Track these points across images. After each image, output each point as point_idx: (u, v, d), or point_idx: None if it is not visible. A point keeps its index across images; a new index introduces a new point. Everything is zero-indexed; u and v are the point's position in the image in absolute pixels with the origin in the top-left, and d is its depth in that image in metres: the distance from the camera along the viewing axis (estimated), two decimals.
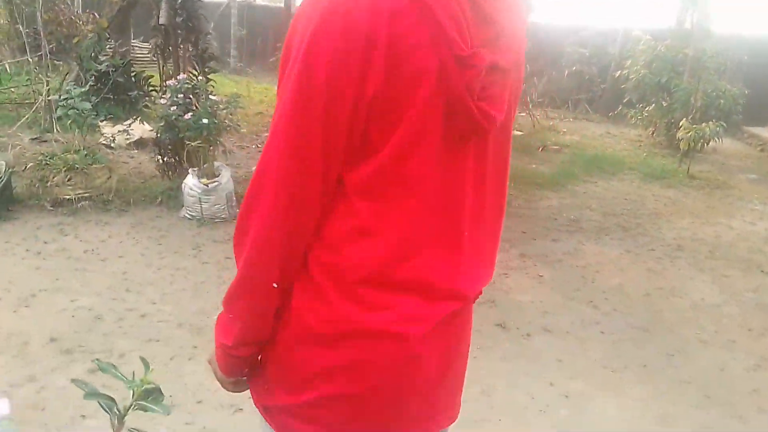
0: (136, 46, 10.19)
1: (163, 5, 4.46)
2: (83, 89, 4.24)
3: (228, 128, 4.40)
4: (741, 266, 4.52)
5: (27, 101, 7.08)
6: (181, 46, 4.62)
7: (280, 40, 11.79)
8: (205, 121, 4.18)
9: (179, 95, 4.22)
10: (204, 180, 4.49)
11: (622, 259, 4.53)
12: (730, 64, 8.67)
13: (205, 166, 4.58)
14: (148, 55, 11.65)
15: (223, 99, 4.50)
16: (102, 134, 5.76)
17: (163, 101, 4.33)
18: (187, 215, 4.57)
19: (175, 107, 4.17)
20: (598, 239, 4.91)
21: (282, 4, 12.99)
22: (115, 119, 6.25)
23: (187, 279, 3.64)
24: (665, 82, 8.65)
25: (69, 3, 10.40)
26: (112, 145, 5.79)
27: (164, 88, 4.39)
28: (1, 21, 8.91)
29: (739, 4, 12.58)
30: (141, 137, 6.05)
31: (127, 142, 6.03)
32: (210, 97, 4.25)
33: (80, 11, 10.63)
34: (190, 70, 4.67)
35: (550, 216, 5.41)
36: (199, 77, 4.51)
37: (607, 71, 11.26)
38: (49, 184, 4.46)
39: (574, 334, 3.34)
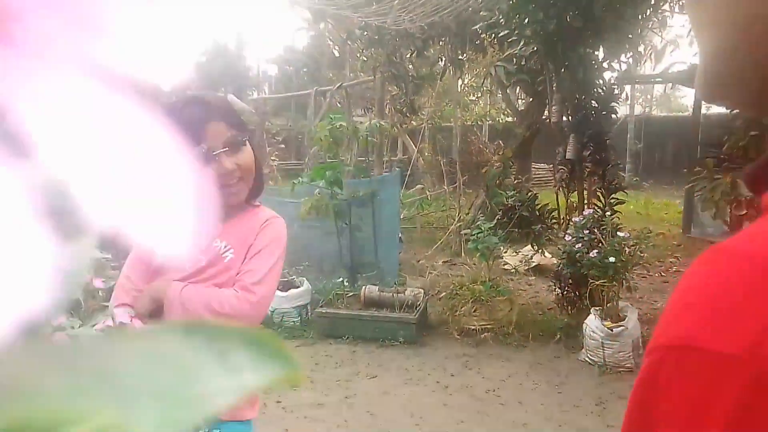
0: (533, 167, 10.72)
1: (572, 140, 4.44)
2: (491, 224, 4.43)
3: (636, 265, 3.96)
4: None
5: (441, 226, 8.03)
6: (587, 179, 4.47)
7: (682, 151, 10.89)
8: (611, 259, 3.84)
9: (585, 231, 4.01)
10: (608, 323, 4.08)
11: None
12: None
13: (608, 306, 4.19)
14: (545, 177, 12.16)
15: (631, 234, 4.11)
16: (503, 260, 5.99)
17: (568, 237, 4.20)
18: (587, 359, 4.20)
19: (579, 244, 3.97)
20: None
21: (687, 113, 12.02)
22: (514, 243, 6.48)
23: None
24: None
25: (478, 133, 11.75)
26: (512, 270, 5.96)
27: (567, 222, 4.26)
28: (426, 154, 10.54)
29: None
30: (539, 264, 6.07)
31: (525, 268, 6.12)
32: (618, 233, 3.92)
33: (487, 140, 11.89)
34: (595, 202, 4.46)
35: None
36: (606, 211, 4.26)
37: None
38: (457, 313, 4.73)
39: None
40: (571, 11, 3.75)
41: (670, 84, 8.49)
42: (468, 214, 7.48)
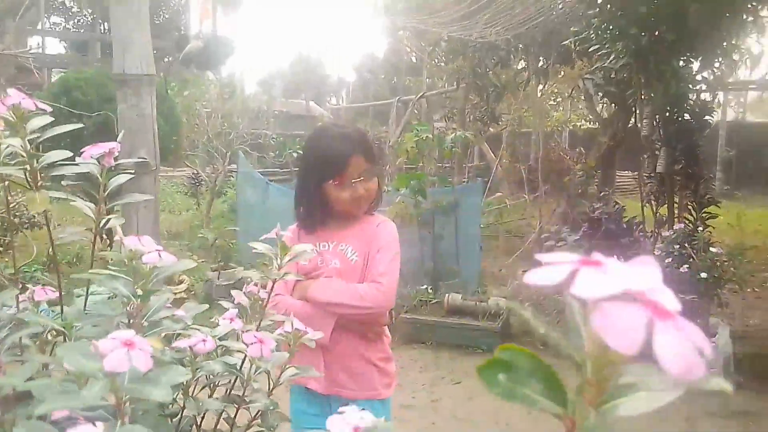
0: (621, 175, 10.47)
1: (663, 153, 4.39)
2: (577, 237, 4.45)
3: (729, 283, 3.89)
4: None
5: (520, 234, 8.03)
6: (678, 193, 4.41)
7: None
8: (703, 275, 3.79)
9: (675, 246, 3.98)
10: None
11: None
12: None
13: (698, 322, 4.12)
14: (629, 186, 11.83)
15: (724, 248, 4.03)
16: None
17: (657, 252, 4.16)
18: None
19: (670, 259, 3.94)
20: None
21: None
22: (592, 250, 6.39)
23: None
24: None
25: (558, 140, 11.59)
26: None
27: (657, 235, 4.23)
28: (505, 161, 10.52)
29: None
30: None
31: None
32: (710, 249, 3.86)
33: (567, 146, 11.71)
34: (686, 216, 4.39)
35: None
36: (698, 226, 4.19)
37: None
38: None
39: None
40: (664, 24, 3.73)
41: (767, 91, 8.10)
42: (548, 224, 7.44)
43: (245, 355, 0.91)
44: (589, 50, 4.38)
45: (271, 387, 0.99)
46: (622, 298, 0.20)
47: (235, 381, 0.94)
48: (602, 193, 6.07)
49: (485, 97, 6.75)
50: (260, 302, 1.09)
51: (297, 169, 1.85)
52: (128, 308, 0.81)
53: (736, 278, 3.84)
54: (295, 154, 9.01)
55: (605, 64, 4.23)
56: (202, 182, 9.17)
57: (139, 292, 0.78)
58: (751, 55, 6.99)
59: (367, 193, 1.67)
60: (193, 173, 9.29)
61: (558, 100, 11.45)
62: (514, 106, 9.08)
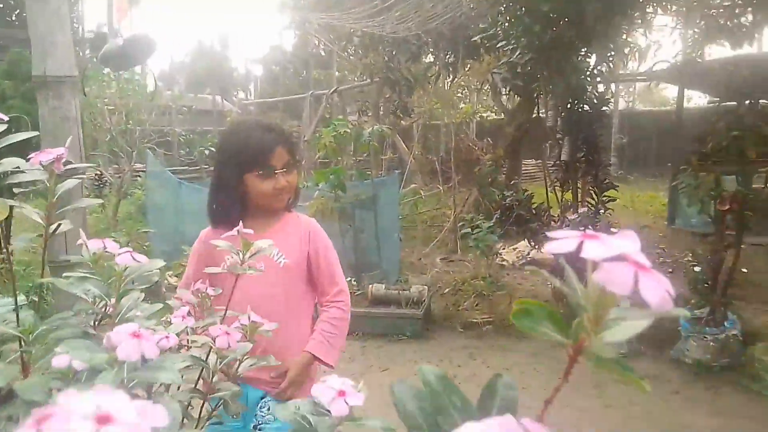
0: (526, 163, 11.02)
1: (566, 142, 4.72)
2: (490, 223, 4.68)
3: None
4: None
5: (436, 224, 8.29)
6: (581, 179, 4.75)
7: (666, 145, 11.30)
8: None
9: (580, 228, 4.28)
10: None
11: None
12: None
13: None
14: (533, 172, 12.45)
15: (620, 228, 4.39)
16: (500, 255, 6.26)
17: None
18: None
19: None
20: None
21: (669, 107, 12.42)
22: (509, 239, 6.76)
23: (593, 424, 3.50)
24: None
25: (467, 131, 12.01)
26: (506, 264, 6.25)
27: (563, 219, 4.53)
28: (417, 152, 10.78)
29: None
30: (534, 258, 6.35)
31: (521, 262, 6.41)
32: (611, 230, 4.20)
33: (475, 137, 12.16)
34: (588, 200, 4.74)
35: None
36: (599, 209, 4.54)
37: None
38: (460, 308, 4.99)
39: None
40: (564, 21, 4.01)
41: (655, 82, 8.83)
42: (462, 212, 7.74)
43: (210, 348, 0.95)
44: (497, 46, 4.62)
45: (233, 376, 1.02)
46: (616, 259, 0.28)
47: (201, 373, 0.97)
48: (512, 182, 6.40)
49: (398, 90, 6.92)
50: (209, 299, 1.12)
51: (214, 162, 1.77)
52: (100, 308, 0.83)
53: None
54: (206, 151, 8.78)
55: (511, 59, 4.48)
56: (107, 183, 8.74)
57: (112, 292, 0.80)
58: (639, 49, 7.60)
59: (289, 185, 1.66)
60: (96, 174, 8.83)
61: (465, 92, 11.87)
62: (424, 99, 9.32)
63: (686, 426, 3.38)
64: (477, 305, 4.96)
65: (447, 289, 5.35)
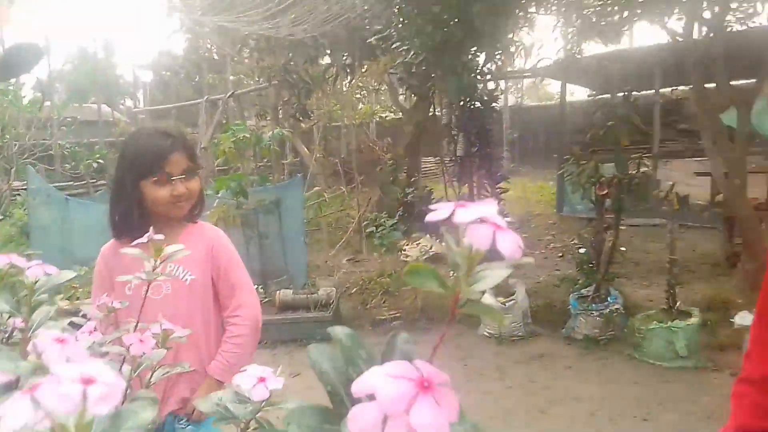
0: (423, 160, 11.32)
1: (460, 139, 4.93)
2: (394, 221, 4.80)
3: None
4: None
5: (341, 226, 8.35)
6: (476, 173, 4.98)
7: (552, 137, 12.09)
8: None
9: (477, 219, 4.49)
10: (501, 299, 4.61)
11: None
12: None
13: (500, 284, 4.72)
14: (432, 170, 12.81)
15: (514, 218, 4.65)
16: (404, 251, 6.42)
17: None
18: (485, 333, 4.71)
19: None
20: None
21: (553, 101, 13.20)
22: (410, 235, 6.95)
23: (496, 404, 3.69)
24: None
25: (367, 131, 12.16)
26: (409, 260, 6.42)
27: None
28: (319, 155, 10.78)
29: None
30: (435, 252, 6.56)
31: (424, 257, 6.60)
32: (506, 219, 4.44)
33: (375, 137, 12.33)
34: (484, 193, 4.98)
35: None
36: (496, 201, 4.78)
37: None
38: (368, 306, 5.08)
39: None
40: (454, 22, 4.19)
41: (540, 78, 9.40)
42: (366, 212, 7.86)
43: (123, 358, 0.94)
44: (392, 47, 4.74)
45: (146, 384, 1.02)
46: (480, 221, 0.35)
47: None
48: (412, 179, 6.57)
49: (296, 93, 6.89)
50: (112, 313, 1.10)
51: (114, 171, 1.71)
52: (10, 324, 0.81)
53: (526, 242, 4.45)
54: (94, 164, 8.30)
55: (406, 60, 4.61)
56: None
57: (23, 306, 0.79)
58: (525, 47, 8.05)
59: (188, 193, 1.61)
60: None
61: (363, 93, 12.01)
62: (324, 101, 9.35)
63: (579, 397, 3.65)
64: (384, 302, 5.07)
65: (354, 289, 5.42)
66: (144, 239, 0.76)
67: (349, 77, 6.95)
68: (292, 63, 6.19)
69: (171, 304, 1.57)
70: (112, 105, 23.00)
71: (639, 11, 5.38)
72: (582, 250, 4.51)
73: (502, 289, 4.63)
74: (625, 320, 4.18)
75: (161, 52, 23.34)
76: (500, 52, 5.33)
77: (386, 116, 13.19)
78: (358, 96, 12.01)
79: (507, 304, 4.55)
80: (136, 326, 1.07)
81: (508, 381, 3.98)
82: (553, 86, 20.64)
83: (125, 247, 1.70)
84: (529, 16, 5.97)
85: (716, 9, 4.75)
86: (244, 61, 8.71)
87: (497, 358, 4.36)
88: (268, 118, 8.39)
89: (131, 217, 1.59)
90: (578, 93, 13.74)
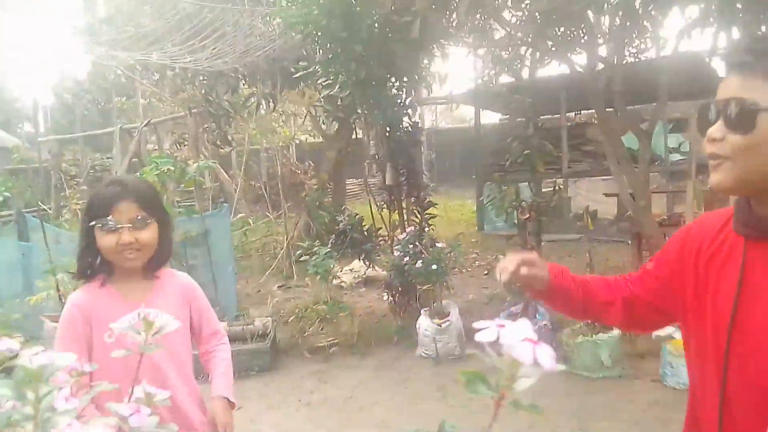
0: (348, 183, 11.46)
1: (389, 169, 5.11)
2: (327, 249, 4.89)
3: (452, 269, 4.72)
4: None
5: (268, 252, 8.30)
6: (405, 200, 5.17)
7: (468, 157, 12.65)
8: (434, 267, 4.54)
9: (409, 245, 4.68)
10: (436, 320, 4.79)
11: None
12: None
13: (434, 306, 4.91)
14: (354, 191, 12.96)
15: (445, 242, 4.88)
16: (338, 277, 6.49)
17: (396, 252, 4.83)
18: (423, 354, 4.87)
19: (407, 258, 4.62)
20: None
21: (466, 123, 13.77)
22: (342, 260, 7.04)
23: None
24: None
25: (287, 154, 12.13)
26: (343, 285, 6.51)
27: (395, 240, 4.91)
28: (242, 181, 10.65)
29: None
30: (368, 276, 6.69)
31: (356, 281, 6.71)
32: (436, 244, 4.65)
33: (296, 161, 12.33)
34: (413, 219, 5.18)
35: None
36: (424, 227, 4.99)
37: None
38: (305, 334, 5.11)
39: None
40: (377, 59, 4.38)
41: (455, 104, 9.86)
42: (294, 237, 7.87)
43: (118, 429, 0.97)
44: (317, 81, 4.87)
45: None
46: (522, 340, 0.47)
47: None
48: (341, 206, 6.69)
49: (217, 121, 6.85)
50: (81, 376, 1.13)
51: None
52: None
53: (457, 264, 4.68)
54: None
55: (331, 93, 4.75)
56: None
57: None
58: (440, 76, 8.43)
59: (138, 243, 1.61)
60: None
61: (283, 118, 12.01)
62: (244, 128, 9.29)
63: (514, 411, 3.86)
64: (322, 329, 5.12)
65: (291, 318, 5.43)
66: (134, 315, 0.79)
67: (272, 105, 6.99)
68: (213, 93, 6.16)
69: (153, 356, 1.60)
70: (8, 129, 21.53)
71: (541, 48, 5.81)
72: None
73: (438, 311, 4.82)
74: (553, 336, 4.46)
75: (64, 77, 22.20)
76: (419, 84, 5.60)
77: (306, 139, 13.24)
78: (276, 122, 11.99)
79: (443, 325, 4.73)
80: (132, 392, 1.11)
81: (450, 400, 4.14)
82: (466, 109, 21.53)
83: (95, 290, 1.71)
84: (444, 49, 6.28)
85: (612, 45, 5.23)
86: (165, 94, 8.50)
87: (437, 378, 4.51)
88: (187, 145, 8.25)
89: (88, 262, 1.65)
90: (491, 115, 14.42)
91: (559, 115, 8.82)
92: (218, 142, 7.86)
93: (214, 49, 5.10)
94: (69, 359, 0.90)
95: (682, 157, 9.20)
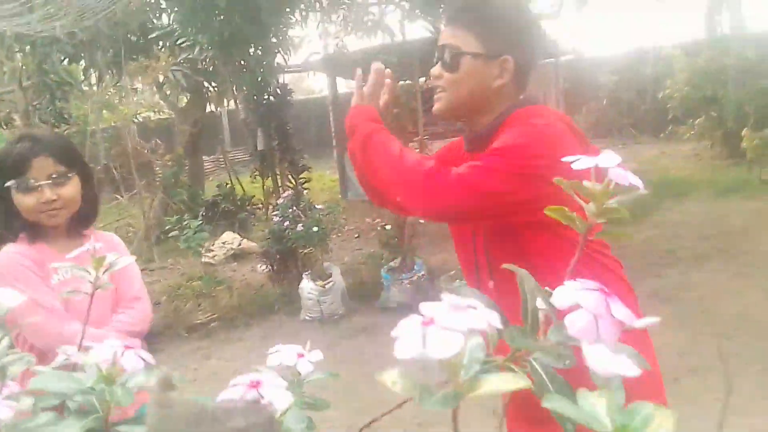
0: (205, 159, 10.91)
1: (260, 134, 4.95)
2: (198, 222, 4.67)
3: (332, 231, 4.76)
4: None
5: (124, 236, 7.69)
6: (279, 166, 5.07)
7: (323, 129, 12.61)
8: (315, 229, 4.54)
9: (288, 210, 4.62)
10: (319, 282, 4.81)
11: (734, 283, 4.60)
12: None
13: (316, 268, 4.92)
14: (209, 167, 12.41)
15: (324, 207, 4.89)
16: (212, 251, 6.21)
17: (276, 218, 4.74)
18: (307, 317, 4.87)
19: (287, 222, 4.56)
20: (701, 267, 4.99)
21: (321, 95, 13.73)
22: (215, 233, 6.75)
23: (338, 381, 3.88)
24: (710, 95, 8.79)
25: (128, 134, 11.27)
26: (213, 261, 6.25)
27: (273, 206, 4.81)
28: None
29: None
30: (239, 249, 6.49)
31: (227, 256, 6.48)
32: (315, 207, 4.64)
33: (139, 139, 11.49)
34: (288, 184, 5.10)
35: (643, 251, 5.51)
36: (300, 190, 4.94)
37: (645, 93, 11.48)
38: (181, 313, 4.86)
39: (719, 370, 3.42)
40: (241, 19, 4.18)
41: (312, 72, 9.76)
42: (151, 218, 7.39)
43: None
44: (177, 43, 4.54)
45: None
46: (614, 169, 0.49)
47: None
48: (202, 181, 6.36)
49: (53, 95, 6.15)
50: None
51: None
52: None
53: (337, 227, 4.72)
54: None
55: (191, 56, 4.46)
56: None
57: None
58: (294, 44, 8.28)
59: (61, 199, 1.51)
60: None
61: (123, 94, 11.09)
62: (81, 105, 8.45)
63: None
64: (199, 305, 4.91)
65: (163, 298, 5.13)
66: (84, 248, 0.73)
67: (116, 76, 6.40)
68: (48, 62, 5.49)
69: (94, 305, 1.47)
70: None
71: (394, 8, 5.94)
72: (387, 227, 4.93)
73: (320, 273, 4.83)
74: (431, 284, 4.69)
75: None
76: (281, 48, 5.46)
77: (150, 116, 12.37)
78: (117, 97, 11.05)
79: (326, 286, 4.76)
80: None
81: (339, 355, 4.20)
82: (314, 80, 21.38)
83: (27, 248, 1.55)
84: (302, 12, 6.20)
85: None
86: None
87: (325, 337, 4.55)
88: (17, 124, 7.31)
89: (8, 224, 1.53)
90: (342, 86, 14.48)
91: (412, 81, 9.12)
92: (53, 121, 7.06)
93: (48, 7, 4.54)
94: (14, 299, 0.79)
95: None
